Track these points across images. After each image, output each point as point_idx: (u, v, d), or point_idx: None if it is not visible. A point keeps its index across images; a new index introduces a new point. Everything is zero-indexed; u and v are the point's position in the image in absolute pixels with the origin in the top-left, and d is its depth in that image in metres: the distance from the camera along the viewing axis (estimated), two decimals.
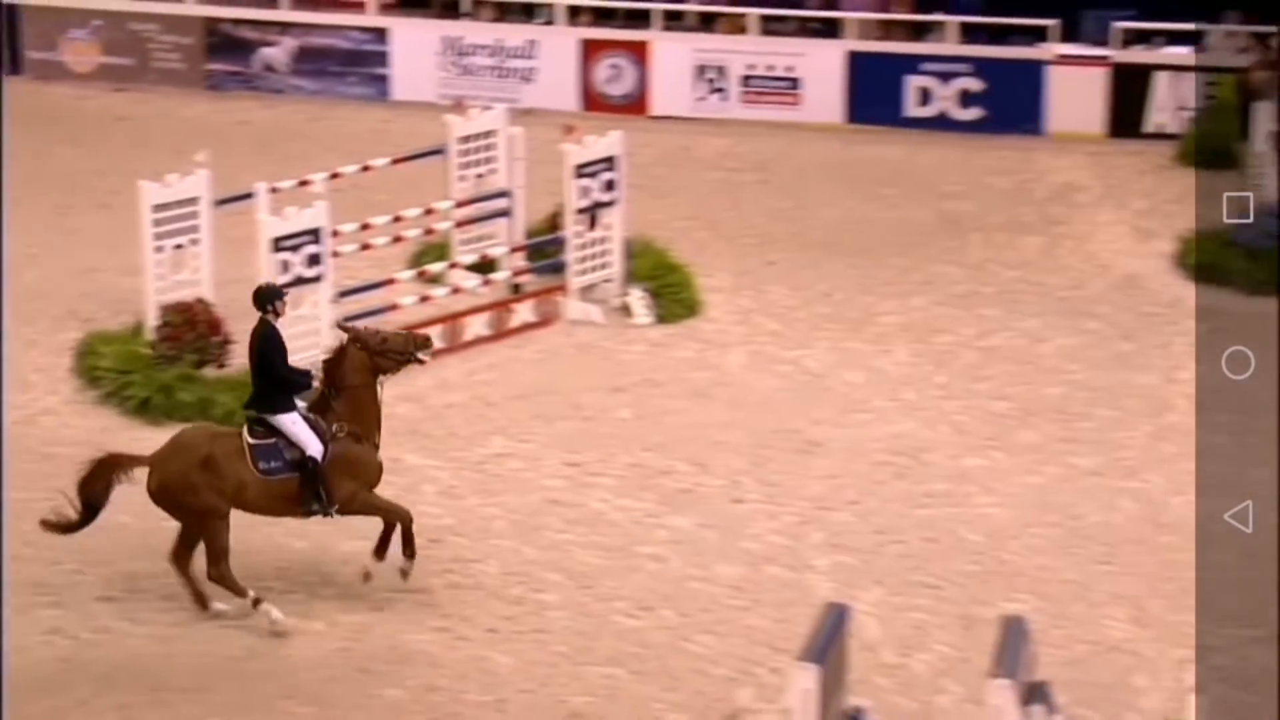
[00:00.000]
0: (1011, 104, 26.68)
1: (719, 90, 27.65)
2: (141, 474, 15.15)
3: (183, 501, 15.10)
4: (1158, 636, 15.11)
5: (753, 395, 19.32)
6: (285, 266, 18.71)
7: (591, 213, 20.82)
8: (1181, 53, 26.55)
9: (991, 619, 13.09)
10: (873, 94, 27.10)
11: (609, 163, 20.85)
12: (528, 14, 29.10)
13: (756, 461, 17.88)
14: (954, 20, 27.27)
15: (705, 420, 18.44)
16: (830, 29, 27.87)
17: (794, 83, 27.39)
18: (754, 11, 27.92)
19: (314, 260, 18.96)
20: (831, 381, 19.64)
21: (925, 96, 27.06)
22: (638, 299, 20.94)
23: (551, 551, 16.25)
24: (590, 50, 28.07)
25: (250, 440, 15.14)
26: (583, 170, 20.70)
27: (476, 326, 20.17)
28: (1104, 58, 26.54)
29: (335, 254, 19.36)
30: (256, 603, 15.06)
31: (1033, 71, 26.70)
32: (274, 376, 15.21)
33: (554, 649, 14.98)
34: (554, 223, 21.13)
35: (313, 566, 15.94)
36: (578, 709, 14.27)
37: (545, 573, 15.97)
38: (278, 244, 18.68)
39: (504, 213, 21.09)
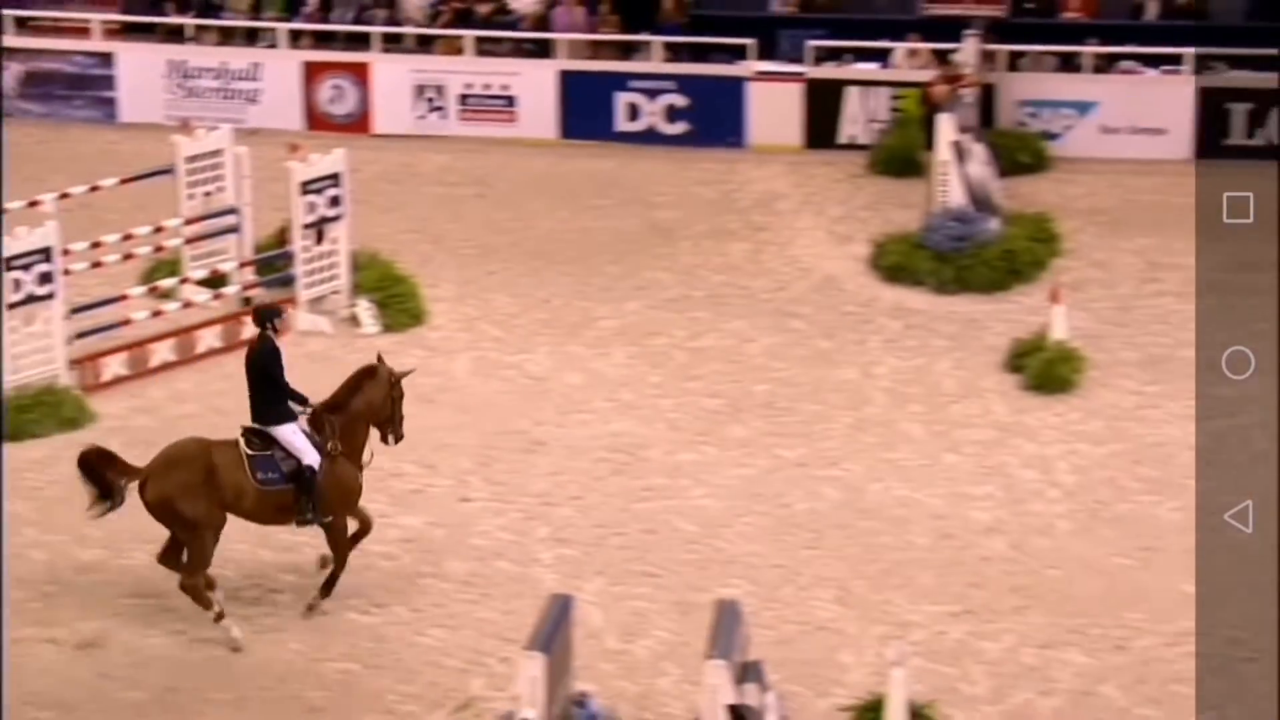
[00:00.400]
0: (715, 118, 27.16)
1: (438, 109, 27.87)
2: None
3: (181, 511, 15.14)
4: (860, 615, 15.72)
5: (478, 399, 19.60)
6: (17, 285, 18.76)
7: (318, 227, 21.11)
8: (870, 69, 27.27)
9: (707, 604, 13.73)
10: (584, 110, 27.49)
11: (334, 179, 21.13)
12: (251, 38, 29.15)
13: (483, 462, 18.19)
14: (659, 40, 27.75)
15: (433, 424, 18.54)
16: (543, 49, 28.16)
17: (510, 101, 27.72)
18: (470, 33, 28.19)
19: (45, 279, 19.03)
20: (553, 384, 20.00)
21: (634, 112, 27.50)
22: (365, 309, 21.23)
23: (287, 553, 16.35)
24: (312, 72, 28.19)
25: (248, 451, 15.30)
26: (308, 187, 20.97)
27: (209, 339, 20.33)
28: (799, 74, 27.09)
29: (67, 272, 19.42)
30: (219, 618, 15.17)
31: (734, 88, 27.17)
32: (277, 389, 15.39)
33: (291, 647, 15.17)
34: (282, 238, 21.32)
35: (52, 575, 16.04)
36: (316, 704, 14.48)
37: (281, 573, 16.11)
38: (9, 263, 18.72)
39: (233, 229, 21.27)
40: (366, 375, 15.80)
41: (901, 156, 25.76)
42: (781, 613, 15.76)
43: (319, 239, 21.18)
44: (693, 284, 22.84)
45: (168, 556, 15.43)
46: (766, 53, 27.44)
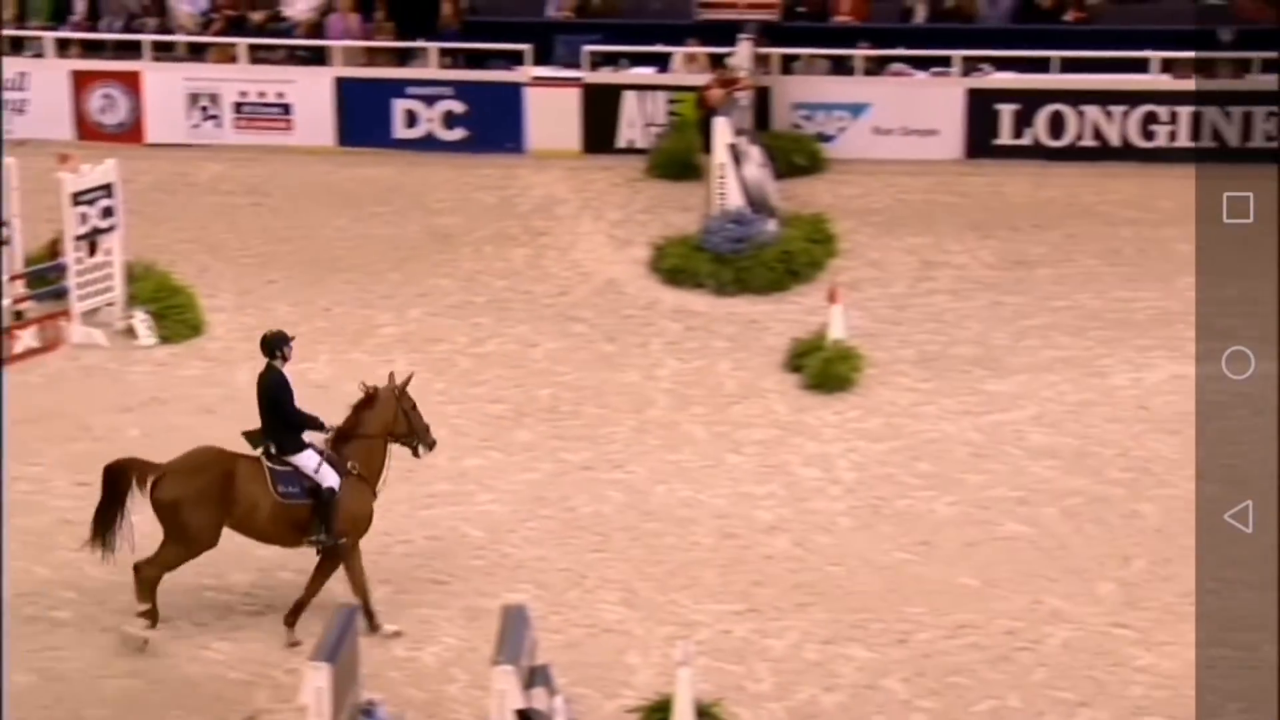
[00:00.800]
0: (493, 124, 27.15)
1: (212, 117, 27.60)
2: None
3: (185, 519, 15.17)
4: (646, 616, 15.88)
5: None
6: None
7: (91, 239, 20.86)
8: (647, 73, 27.41)
9: (494, 609, 13.78)
10: (362, 118, 27.39)
11: (106, 190, 20.91)
12: (17, 47, 28.55)
13: None
14: (435, 46, 27.63)
15: (214, 436, 17.72)
16: (318, 57, 28.01)
17: (286, 109, 27.53)
18: (243, 41, 27.98)
19: None
20: (335, 392, 19.36)
21: (412, 119, 27.40)
22: (141, 321, 21.03)
23: (65, 570, 16.20)
24: (81, 81, 27.80)
25: (271, 465, 15.38)
26: (80, 198, 20.71)
27: None
28: (576, 79, 27.18)
29: None
30: (144, 615, 15.19)
31: (511, 93, 27.20)
32: (286, 419, 15.39)
33: (71, 665, 15.02)
34: (54, 250, 21.07)
35: None
36: None
37: (60, 590, 15.96)
38: None
39: (3, 241, 20.88)
40: (366, 405, 15.77)
41: (679, 160, 25.95)
42: (569, 616, 15.87)
43: (92, 251, 20.95)
44: (475, 290, 22.87)
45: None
46: (543, 58, 27.51)
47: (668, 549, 16.90)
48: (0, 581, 15.66)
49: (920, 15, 28.74)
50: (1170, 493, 17.92)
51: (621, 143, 27.22)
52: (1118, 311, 22.09)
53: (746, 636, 15.70)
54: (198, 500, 15.21)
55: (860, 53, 27.63)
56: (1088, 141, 26.82)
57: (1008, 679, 15.10)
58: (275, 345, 15.69)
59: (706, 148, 23.77)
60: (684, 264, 22.93)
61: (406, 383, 15.89)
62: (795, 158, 26.35)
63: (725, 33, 27.15)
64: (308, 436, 15.62)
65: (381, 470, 15.76)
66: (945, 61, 27.35)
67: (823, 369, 20.20)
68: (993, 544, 17.15)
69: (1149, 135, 26.76)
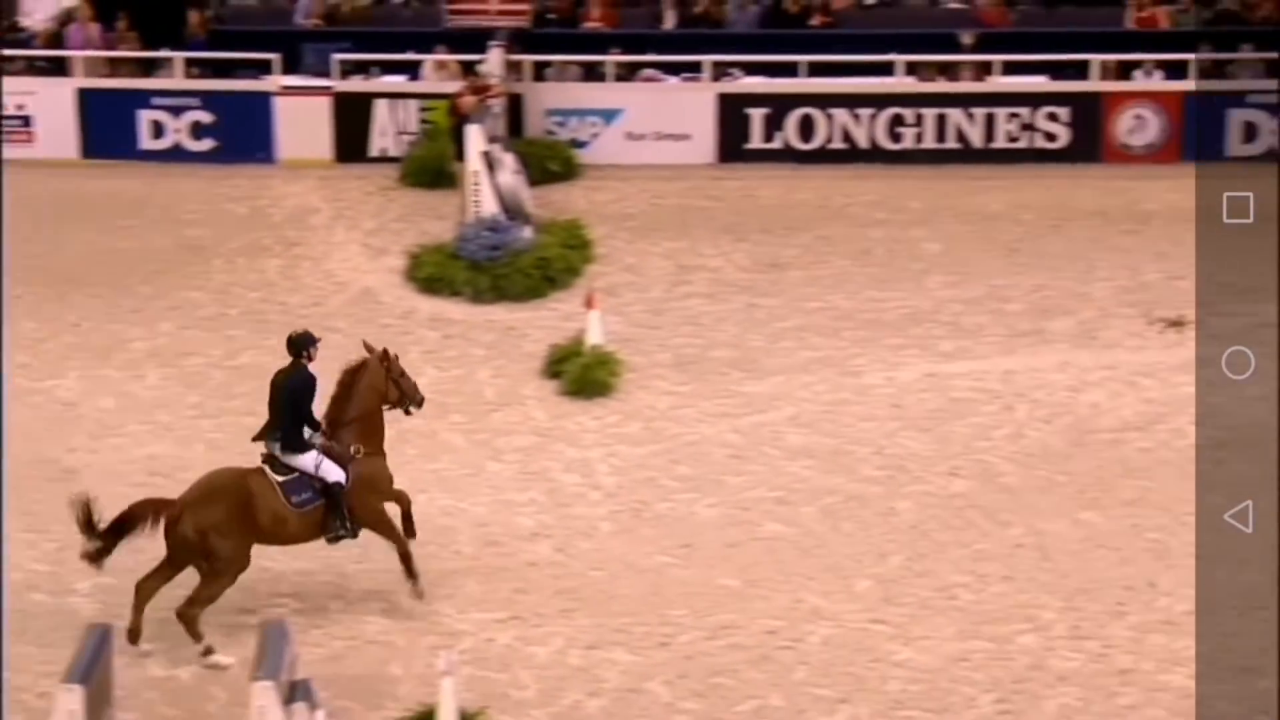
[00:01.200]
0: (243, 134, 26.82)
1: None
2: None
3: (215, 547, 15.19)
4: (409, 627, 15.85)
5: (6, 427, 19.03)
6: None
7: None
8: (398, 81, 27.28)
9: (254, 625, 13.80)
10: (106, 129, 26.90)
11: None
12: None
13: (13, 492, 17.69)
14: (180, 56, 27.26)
15: None
16: (59, 67, 27.49)
17: (26, 120, 26.94)
18: None
19: None
20: (84, 409, 19.67)
21: (159, 130, 26.97)
22: None
23: None
24: None
25: (277, 478, 15.47)
26: None
27: None
28: (326, 88, 26.98)
29: None
30: (207, 653, 15.22)
31: (260, 103, 26.89)
32: (301, 419, 15.58)
33: None
34: None
35: None
36: None
37: None
38: None
39: None
40: (356, 372, 15.96)
41: (432, 168, 25.84)
42: (330, 629, 15.79)
43: None
44: (228, 302, 22.65)
45: (150, 583, 15.46)
46: (292, 67, 27.26)
47: (429, 558, 16.79)
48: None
49: (670, 21, 28.96)
50: (924, 489, 18.23)
51: (374, 151, 27.04)
52: (869, 311, 22.42)
53: (510, 644, 15.72)
54: (224, 528, 15.27)
55: (611, 59, 27.77)
56: (837, 144, 27.19)
57: (769, 678, 15.26)
58: (302, 345, 15.83)
59: (460, 155, 23.75)
60: (440, 272, 22.88)
61: (380, 352, 16.16)
62: (549, 164, 26.40)
63: (476, 40, 27.14)
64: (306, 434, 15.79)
65: (382, 434, 16.05)
66: (695, 67, 27.57)
67: (581, 375, 20.26)
68: (753, 544, 17.31)
69: (896, 137, 27.20)
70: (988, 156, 26.98)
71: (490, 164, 23.21)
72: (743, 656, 15.54)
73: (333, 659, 15.24)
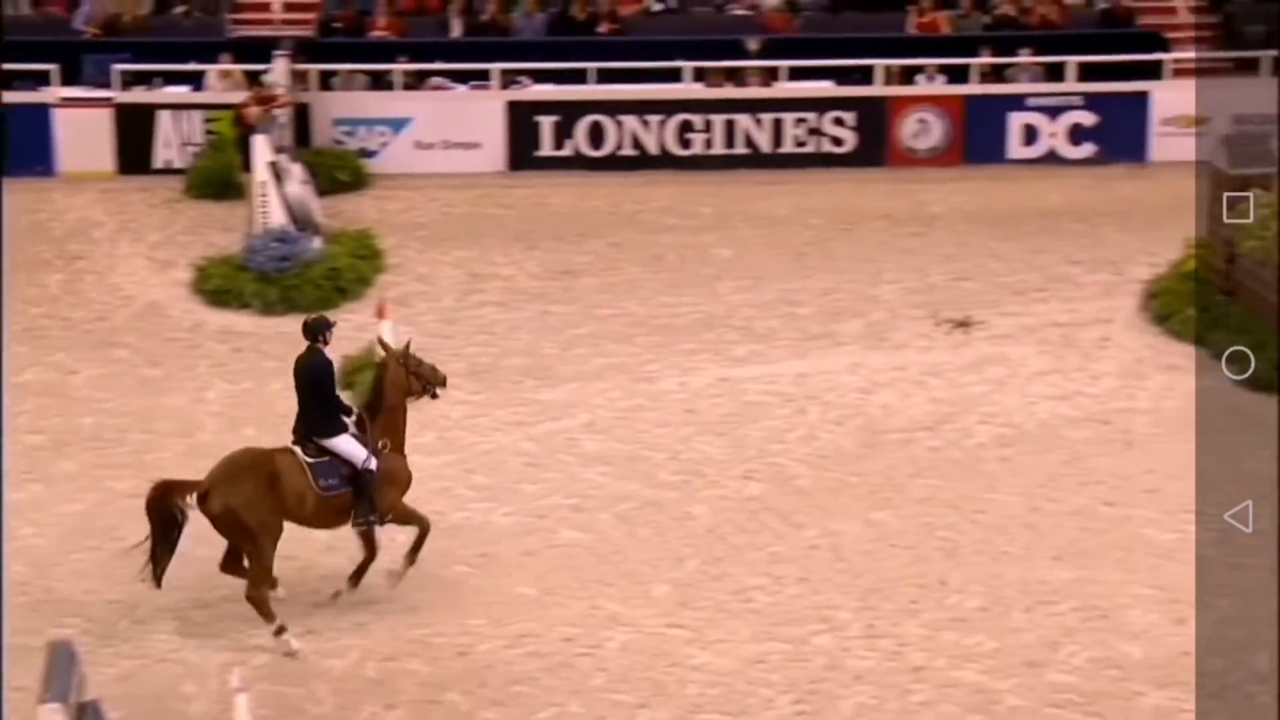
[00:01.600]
0: (21, 147, 26.40)
1: None
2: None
3: (245, 521, 15.33)
4: (201, 644, 15.64)
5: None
6: None
7: None
8: (181, 91, 27.07)
9: (40, 647, 13.49)
10: None
11: None
12: None
13: None
14: None
15: None
16: None
17: None
18: None
19: None
20: None
21: None
22: None
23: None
24: None
25: (308, 459, 15.63)
26: None
27: None
28: (107, 99, 26.67)
29: None
30: (279, 632, 15.41)
31: (39, 115, 26.53)
32: (327, 402, 15.68)
33: None
34: None
35: None
36: None
37: None
38: None
39: None
40: (382, 364, 16.35)
41: (218, 179, 25.69)
42: (120, 649, 15.55)
43: None
44: (11, 318, 22.18)
45: (230, 564, 15.74)
46: (71, 78, 26.93)
47: (222, 575, 16.37)
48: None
49: (457, 29, 28.93)
50: (719, 493, 18.33)
51: (158, 163, 26.82)
52: (662, 317, 22.53)
53: (306, 658, 15.51)
54: (250, 504, 15.36)
55: (399, 67, 27.68)
56: (627, 151, 27.33)
57: (568, 685, 15.25)
58: (318, 330, 15.98)
59: (246, 166, 23.59)
60: (228, 284, 22.70)
61: (397, 352, 16.42)
62: (338, 174, 26.30)
63: (260, 49, 26.94)
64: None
65: (404, 432, 16.25)
66: (484, 75, 27.55)
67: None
68: (550, 552, 17.29)
69: (685, 143, 27.39)
70: (776, 161, 27.27)
71: (278, 174, 23.08)
72: (541, 664, 15.51)
73: (123, 679, 14.99)
